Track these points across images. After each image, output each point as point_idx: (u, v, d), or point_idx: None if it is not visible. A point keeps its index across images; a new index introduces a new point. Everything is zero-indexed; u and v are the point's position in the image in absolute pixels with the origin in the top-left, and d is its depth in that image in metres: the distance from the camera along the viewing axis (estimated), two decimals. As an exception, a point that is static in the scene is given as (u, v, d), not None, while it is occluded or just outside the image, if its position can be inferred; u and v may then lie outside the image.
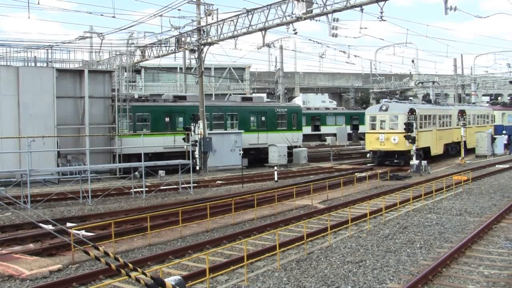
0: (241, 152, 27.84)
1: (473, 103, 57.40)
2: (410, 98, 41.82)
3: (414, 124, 29.30)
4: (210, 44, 28.96)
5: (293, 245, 12.44)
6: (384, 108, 31.86)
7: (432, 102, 38.98)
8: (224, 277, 10.24)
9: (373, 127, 32.41)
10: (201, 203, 17.73)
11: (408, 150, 30.12)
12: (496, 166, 31.89)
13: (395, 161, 31.41)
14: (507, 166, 31.70)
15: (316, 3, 21.76)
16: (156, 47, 31.93)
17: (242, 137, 32.69)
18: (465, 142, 37.81)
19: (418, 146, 30.61)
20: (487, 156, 38.24)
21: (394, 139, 30.61)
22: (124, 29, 39.50)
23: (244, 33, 25.54)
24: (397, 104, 33.01)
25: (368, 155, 34.85)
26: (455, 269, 10.55)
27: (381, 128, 31.83)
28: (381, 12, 20.82)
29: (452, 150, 37.98)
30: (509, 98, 79.16)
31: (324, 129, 58.95)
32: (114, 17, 27.43)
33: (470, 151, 38.59)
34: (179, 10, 29.04)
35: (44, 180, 24.30)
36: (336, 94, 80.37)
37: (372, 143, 32.24)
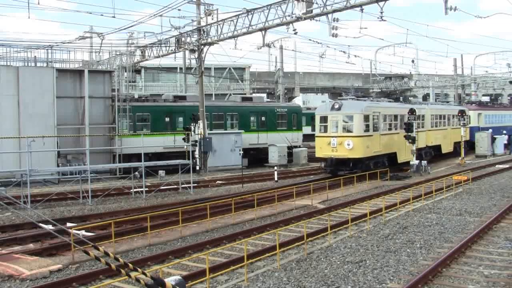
0: (241, 152, 27.84)
1: (447, 102, 52.43)
2: (360, 94, 37.51)
3: (372, 126, 26.38)
4: (210, 44, 28.96)
5: (293, 245, 12.44)
6: (336, 106, 26.41)
7: (401, 100, 34.02)
8: (224, 277, 10.25)
9: (324, 129, 26.84)
10: (201, 203, 17.74)
11: (366, 157, 26.17)
12: (496, 166, 31.89)
13: (353, 170, 26.05)
14: (507, 166, 31.70)
15: (316, 3, 21.76)
16: (156, 47, 31.93)
17: (242, 137, 32.69)
18: (439, 146, 34.49)
19: (379, 152, 27.23)
20: (487, 156, 38.25)
21: (348, 144, 25.42)
22: (124, 29, 39.65)
23: (244, 33, 25.53)
24: (352, 102, 27.82)
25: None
26: (455, 269, 10.55)
27: (333, 130, 26.39)
28: (381, 12, 20.81)
29: (426, 155, 33.22)
30: (509, 98, 79.12)
31: (324, 129, 58.80)
32: (114, 17, 27.45)
33: (444, 156, 36.17)
34: (179, 10, 29.05)
35: (44, 180, 24.31)
36: (336, 94, 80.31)
37: (322, 148, 26.72)
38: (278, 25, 23.84)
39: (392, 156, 28.93)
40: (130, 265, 5.04)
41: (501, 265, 10.79)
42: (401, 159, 29.33)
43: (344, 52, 38.67)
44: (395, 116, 29.47)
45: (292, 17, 22.76)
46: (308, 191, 20.58)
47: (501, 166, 31.51)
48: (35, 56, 28.93)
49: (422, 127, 32.78)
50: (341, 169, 26.51)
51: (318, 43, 40.33)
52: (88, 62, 34.38)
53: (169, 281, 4.84)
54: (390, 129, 28.89)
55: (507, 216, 16.08)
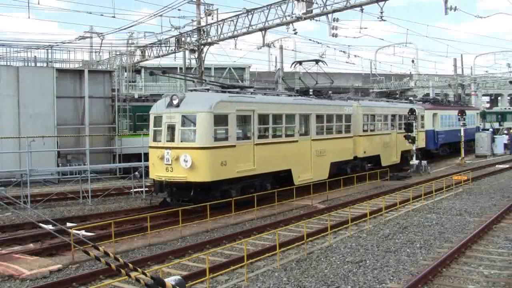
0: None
1: (394, 98, 39.45)
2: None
3: (233, 131, 17.21)
4: (210, 44, 28.93)
5: (293, 245, 12.43)
6: (175, 102, 16.80)
7: (310, 93, 23.64)
8: (224, 277, 10.24)
9: (157, 136, 17.66)
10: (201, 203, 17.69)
11: (220, 180, 16.83)
12: (496, 166, 31.89)
13: (197, 200, 16.43)
14: (507, 166, 31.70)
15: (316, 3, 21.76)
16: (156, 47, 31.93)
17: (241, 137, 32.43)
18: (378, 156, 26.78)
19: (252, 171, 17.93)
20: (487, 156, 38.26)
21: (186, 160, 16.21)
22: (124, 29, 39.62)
23: (244, 33, 25.52)
24: (200, 95, 17.97)
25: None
26: (455, 269, 10.55)
27: (168, 138, 17.12)
28: (381, 12, 20.80)
29: (355, 169, 24.87)
30: (509, 98, 79.03)
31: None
32: (114, 17, 27.43)
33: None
34: (179, 10, 29.00)
35: (44, 180, 24.29)
36: (336, 94, 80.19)
37: (156, 166, 17.25)
38: (278, 25, 23.84)
39: (283, 175, 20.00)
40: (130, 265, 5.05)
41: (501, 265, 10.79)
42: (301, 178, 20.42)
43: (344, 52, 38.67)
44: (291, 117, 20.20)
45: (292, 17, 22.76)
46: (308, 191, 20.53)
47: (501, 166, 31.51)
48: (35, 56, 28.99)
49: (344, 132, 23.80)
50: (179, 198, 17.12)
51: (318, 43, 40.36)
52: (88, 62, 34.42)
53: (169, 281, 4.85)
54: (277, 135, 19.61)
55: (507, 216, 16.08)
